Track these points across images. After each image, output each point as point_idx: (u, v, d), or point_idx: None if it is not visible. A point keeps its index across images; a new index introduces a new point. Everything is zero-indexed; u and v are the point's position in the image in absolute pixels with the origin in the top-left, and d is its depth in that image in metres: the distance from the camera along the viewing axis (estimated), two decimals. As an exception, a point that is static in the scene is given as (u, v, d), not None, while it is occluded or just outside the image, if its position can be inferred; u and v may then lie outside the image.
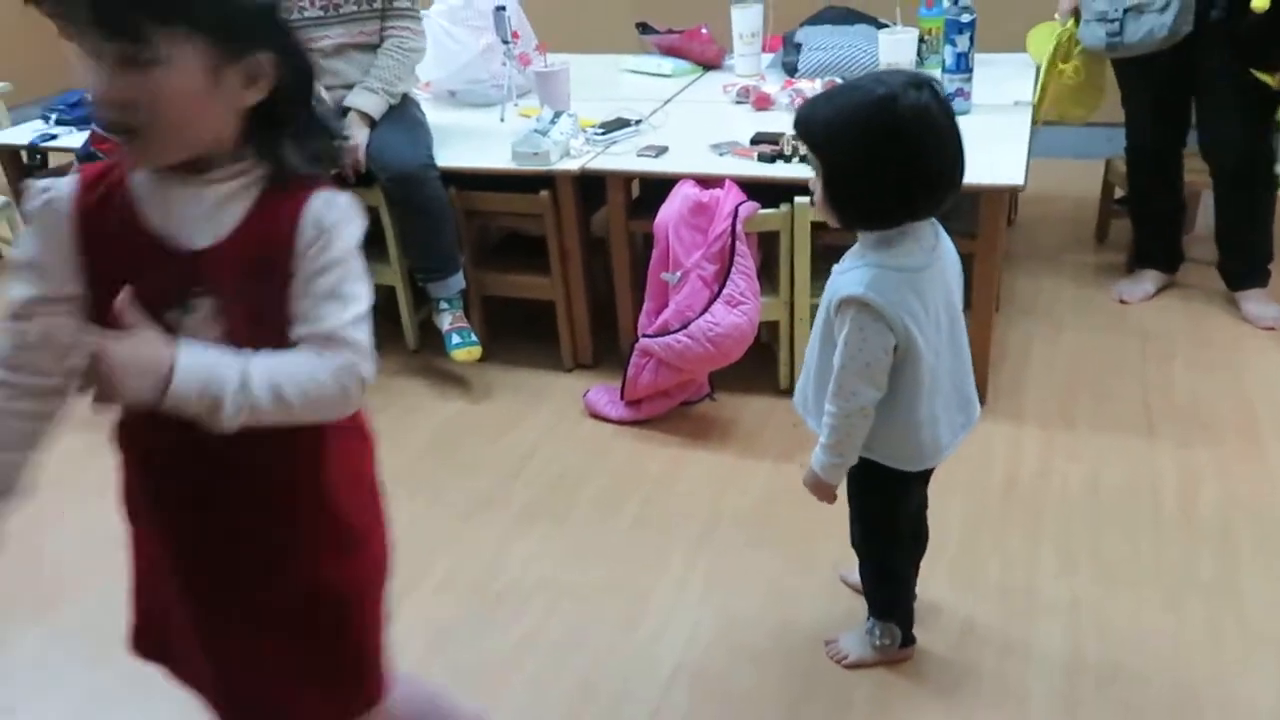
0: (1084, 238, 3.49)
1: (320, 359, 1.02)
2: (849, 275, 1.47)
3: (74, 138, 3.14)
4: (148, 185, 1.04)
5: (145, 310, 0.98)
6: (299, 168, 1.05)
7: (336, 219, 1.04)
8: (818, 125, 1.42)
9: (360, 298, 1.05)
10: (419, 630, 1.95)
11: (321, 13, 2.67)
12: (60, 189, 1.05)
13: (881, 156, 1.37)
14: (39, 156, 3.22)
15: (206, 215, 1.03)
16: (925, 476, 1.69)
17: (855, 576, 1.93)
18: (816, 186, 1.45)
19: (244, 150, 1.04)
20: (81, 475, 2.63)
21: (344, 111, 2.66)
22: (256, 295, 1.03)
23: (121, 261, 1.03)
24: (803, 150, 2.38)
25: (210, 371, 0.96)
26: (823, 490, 1.62)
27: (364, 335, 1.05)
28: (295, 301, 1.03)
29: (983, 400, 2.49)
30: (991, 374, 2.56)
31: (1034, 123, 2.66)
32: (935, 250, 1.49)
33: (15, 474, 1.11)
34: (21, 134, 3.20)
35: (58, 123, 3.22)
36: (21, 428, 1.10)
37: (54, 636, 2.04)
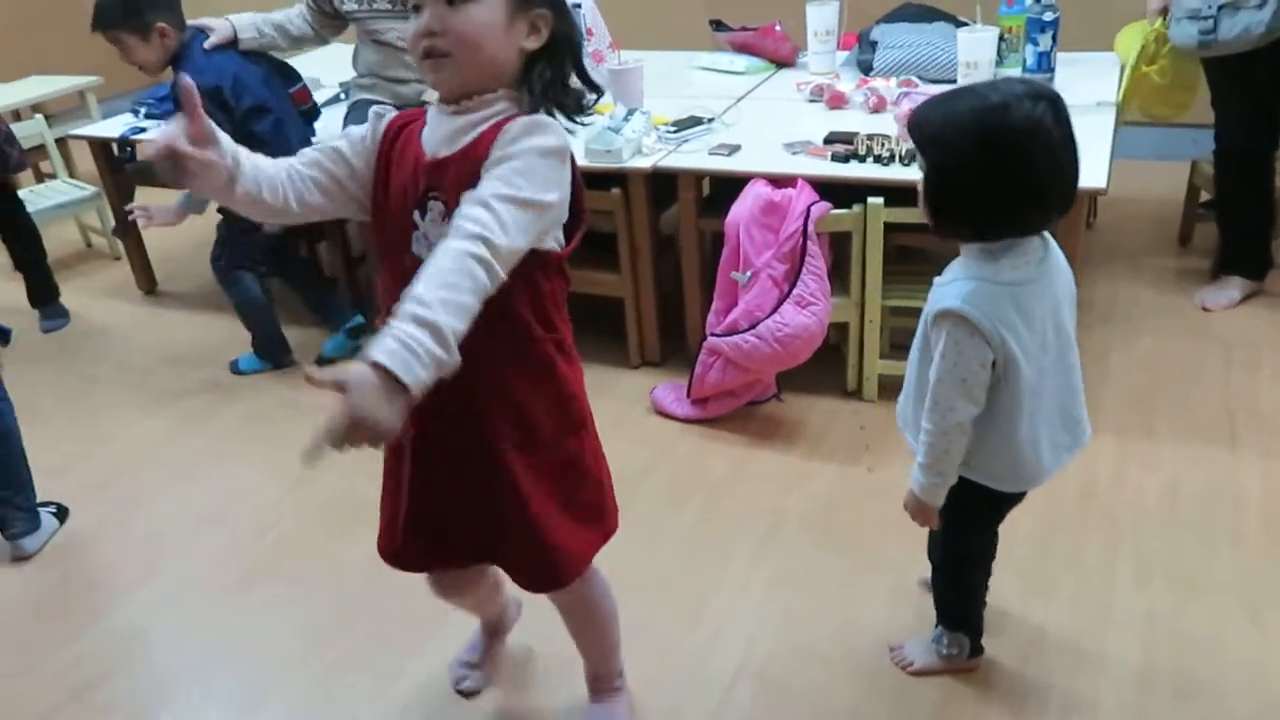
0: (1166, 242, 3.39)
1: (453, 243, 1.12)
2: (948, 288, 1.45)
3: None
4: (433, 116, 1.29)
5: (400, 211, 1.27)
6: (536, 107, 1.25)
7: (524, 128, 1.20)
8: (927, 126, 1.39)
9: (520, 188, 1.17)
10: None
11: (389, 5, 2.73)
12: (389, 113, 1.35)
13: (985, 165, 1.34)
14: (129, 149, 3.33)
15: (452, 136, 1.25)
16: (1019, 499, 1.64)
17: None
18: (921, 188, 1.43)
19: (507, 90, 1.25)
20: (168, 457, 2.73)
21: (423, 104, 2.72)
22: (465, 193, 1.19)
23: (399, 172, 1.29)
24: (902, 149, 2.37)
25: (410, 353, 1.05)
26: (924, 513, 1.57)
27: (506, 213, 1.15)
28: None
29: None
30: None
31: (1117, 123, 2.59)
32: (1043, 265, 1.45)
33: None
34: (113, 127, 3.33)
35: (146, 116, 3.34)
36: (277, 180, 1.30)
37: (148, 606, 2.12)
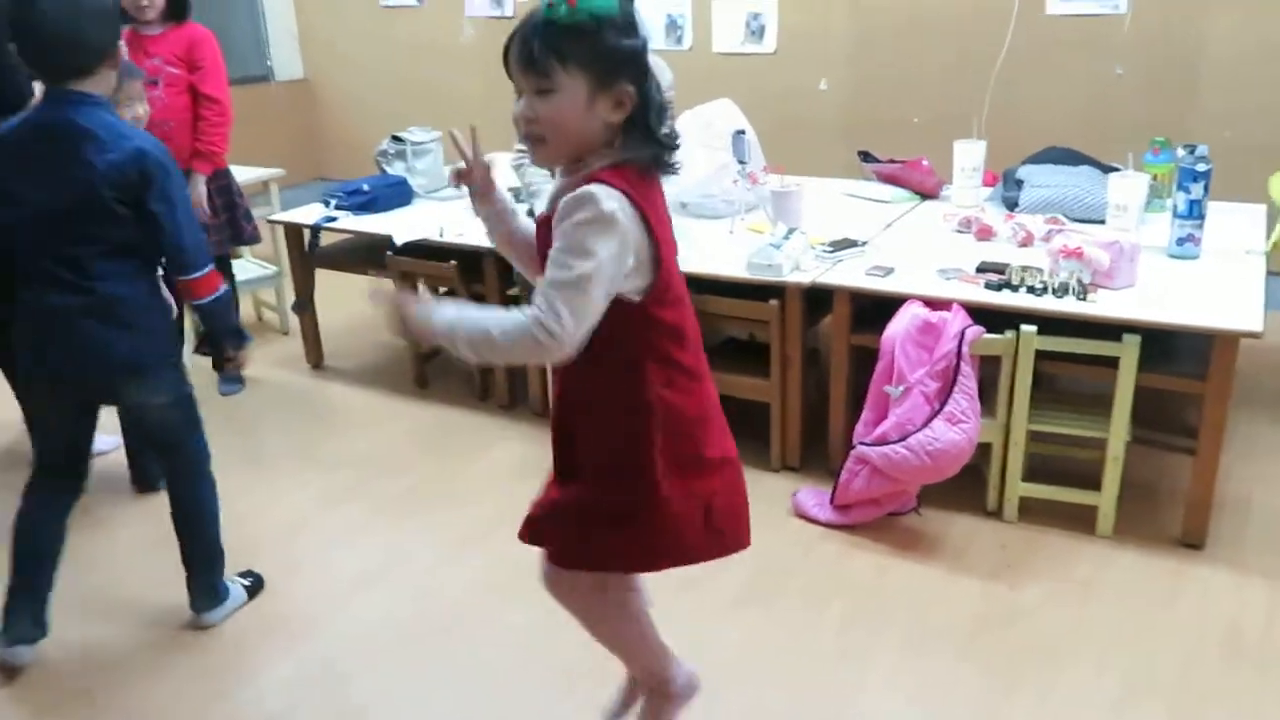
0: (1307, 391, 3.40)
1: (512, 314, 1.40)
2: None
3: (351, 220, 3.58)
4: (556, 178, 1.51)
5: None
6: (617, 163, 1.42)
7: (566, 207, 1.39)
8: None
9: (569, 266, 1.37)
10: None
11: None
12: None
13: None
14: (316, 235, 3.67)
15: (555, 196, 1.44)
16: None
17: None
18: None
19: (601, 154, 1.44)
20: (326, 523, 2.89)
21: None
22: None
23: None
24: (1054, 281, 2.47)
25: (451, 323, 1.43)
26: None
27: (558, 298, 1.37)
28: None
29: (1201, 545, 2.48)
30: (1212, 521, 2.53)
31: (1267, 271, 2.67)
32: None
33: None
34: (309, 214, 3.67)
35: (336, 207, 3.67)
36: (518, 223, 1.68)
37: (306, 662, 2.28)
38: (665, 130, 1.46)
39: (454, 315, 1.44)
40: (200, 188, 3.32)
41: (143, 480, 2.98)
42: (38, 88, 2.38)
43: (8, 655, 2.21)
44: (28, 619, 2.22)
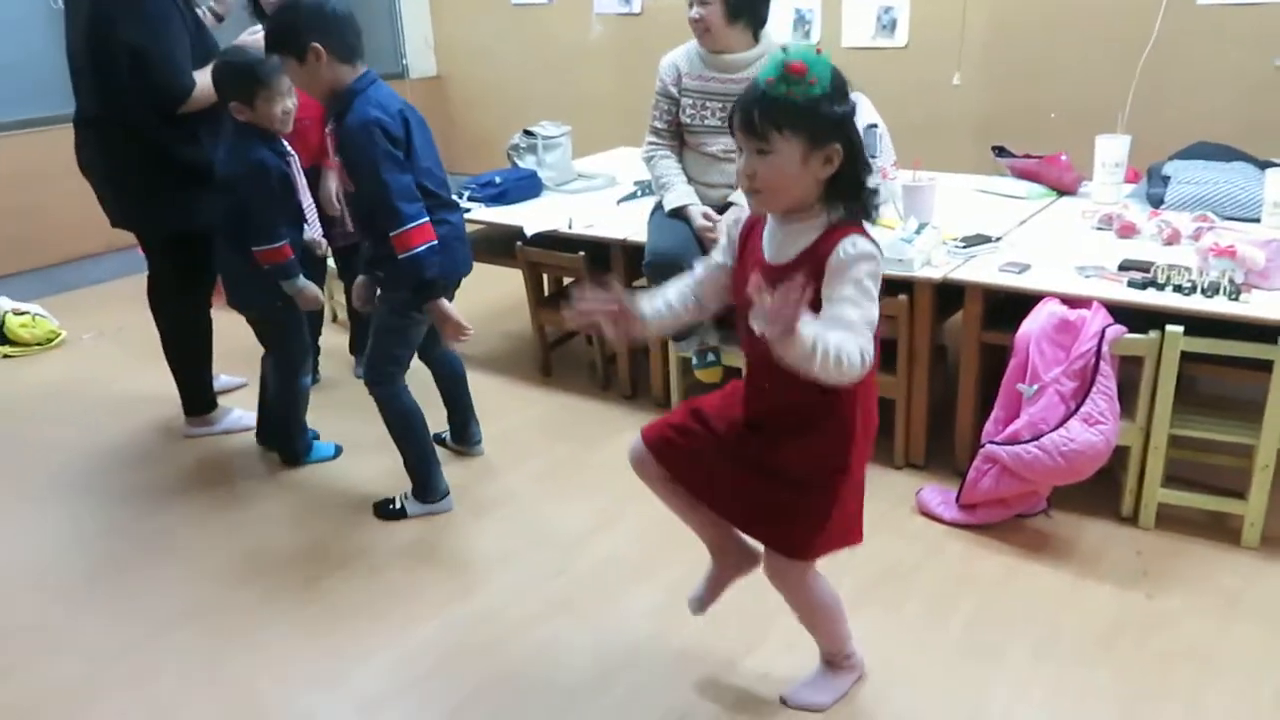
0: None
1: (853, 337, 1.54)
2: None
3: (483, 211, 3.69)
4: (771, 223, 1.71)
5: (744, 289, 1.60)
6: (846, 217, 1.64)
7: (856, 254, 1.60)
8: None
9: (863, 307, 1.58)
10: (761, 686, 2.11)
11: (719, 123, 3.04)
12: (743, 215, 1.79)
13: None
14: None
15: (783, 246, 1.68)
16: None
17: None
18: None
19: (820, 203, 1.64)
20: (480, 494, 2.98)
21: (725, 208, 3.01)
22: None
23: (746, 261, 1.74)
24: (1204, 280, 2.39)
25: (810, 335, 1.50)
26: None
27: (868, 330, 1.57)
28: (825, 297, 1.60)
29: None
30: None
31: None
32: None
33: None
34: (443, 206, 3.79)
35: (469, 199, 3.79)
36: (674, 312, 1.85)
37: (448, 625, 2.38)
38: (871, 183, 1.66)
39: (814, 330, 1.51)
40: (330, 183, 3.47)
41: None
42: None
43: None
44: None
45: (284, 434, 3.17)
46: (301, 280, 2.89)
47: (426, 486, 2.84)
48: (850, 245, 1.59)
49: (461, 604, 2.45)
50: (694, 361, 3.17)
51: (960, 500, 2.63)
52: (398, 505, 2.85)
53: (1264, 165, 2.99)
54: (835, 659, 2.07)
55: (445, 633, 2.35)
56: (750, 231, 1.77)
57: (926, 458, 2.94)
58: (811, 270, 1.60)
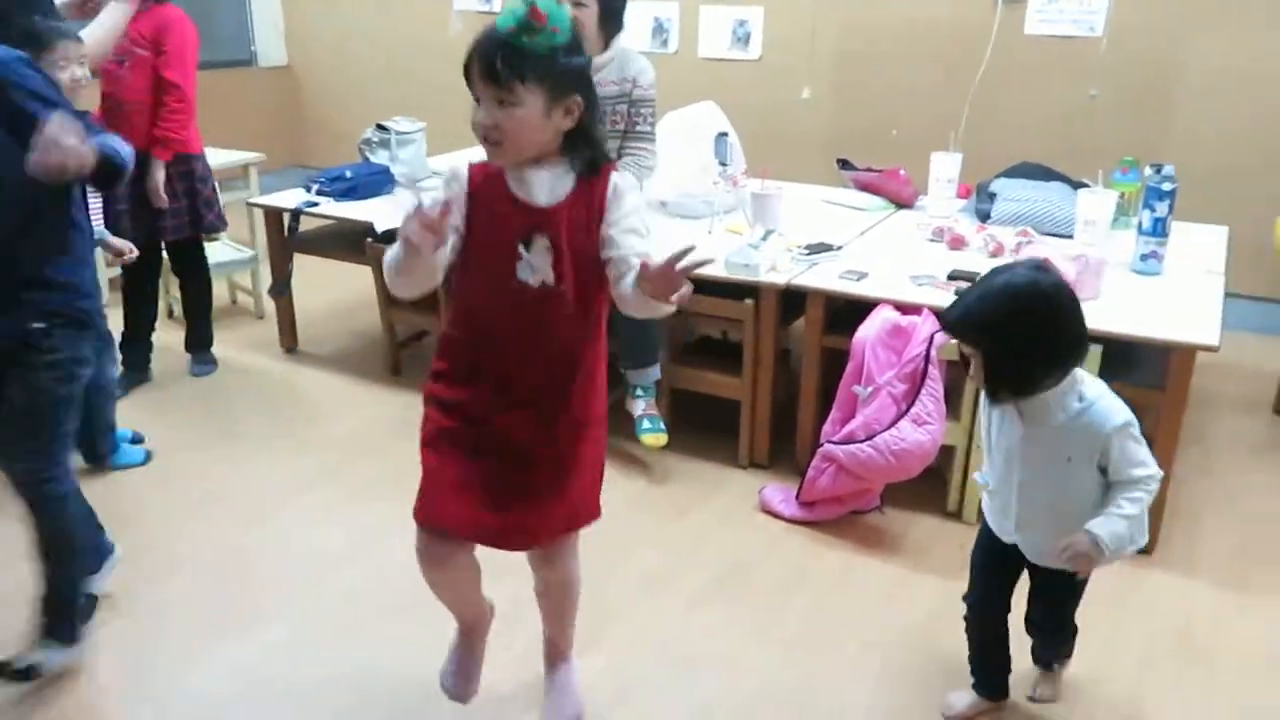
0: (1261, 408, 3.51)
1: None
2: (1111, 402, 1.73)
3: (332, 206, 3.60)
4: (513, 171, 1.64)
5: (503, 244, 1.63)
6: (599, 160, 1.66)
7: (627, 185, 1.67)
8: (975, 319, 1.71)
9: (645, 233, 1.65)
10: (603, 684, 2.13)
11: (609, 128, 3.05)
12: (462, 169, 1.68)
13: (1045, 330, 1.65)
14: (296, 220, 3.68)
15: (547, 187, 1.64)
16: None
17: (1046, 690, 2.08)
18: (979, 373, 1.72)
19: (562, 152, 1.64)
20: (303, 503, 2.92)
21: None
22: (577, 235, 1.63)
23: (492, 214, 1.65)
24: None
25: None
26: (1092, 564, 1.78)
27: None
28: (603, 235, 1.63)
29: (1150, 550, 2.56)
30: (1163, 530, 2.61)
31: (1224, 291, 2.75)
32: None
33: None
34: (289, 199, 3.68)
35: (318, 193, 3.68)
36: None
37: (270, 643, 2.30)
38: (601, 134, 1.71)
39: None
40: (158, 173, 3.31)
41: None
42: None
43: None
44: None
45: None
46: None
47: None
48: (619, 179, 1.67)
49: (288, 607, 2.38)
50: (645, 425, 2.98)
51: (800, 498, 2.73)
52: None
53: (1077, 185, 3.22)
54: (568, 649, 2.05)
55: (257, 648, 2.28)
56: (483, 184, 1.66)
57: (770, 457, 3.03)
58: (584, 212, 1.63)
